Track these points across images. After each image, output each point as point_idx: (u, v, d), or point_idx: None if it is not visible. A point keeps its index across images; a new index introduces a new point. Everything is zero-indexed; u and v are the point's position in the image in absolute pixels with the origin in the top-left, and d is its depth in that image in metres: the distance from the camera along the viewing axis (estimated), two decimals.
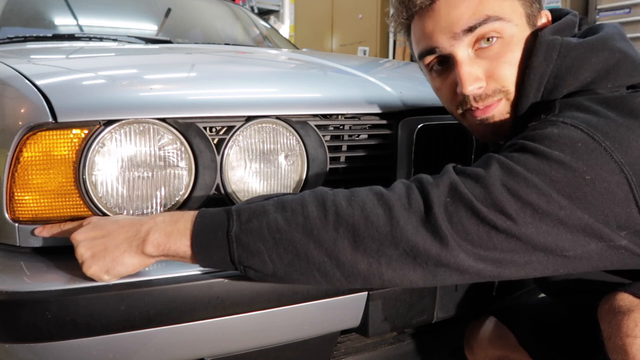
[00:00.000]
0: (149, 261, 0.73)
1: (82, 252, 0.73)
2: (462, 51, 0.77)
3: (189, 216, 0.71)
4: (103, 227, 0.73)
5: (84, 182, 0.79)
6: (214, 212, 0.71)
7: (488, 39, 0.77)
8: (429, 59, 0.82)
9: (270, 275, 0.70)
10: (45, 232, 0.79)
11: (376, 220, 0.66)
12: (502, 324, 0.99)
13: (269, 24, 2.72)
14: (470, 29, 0.76)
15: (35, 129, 0.77)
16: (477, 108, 0.80)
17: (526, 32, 0.79)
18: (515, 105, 0.79)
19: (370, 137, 1.02)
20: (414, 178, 0.73)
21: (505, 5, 0.77)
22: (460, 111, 0.83)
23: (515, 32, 0.77)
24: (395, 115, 1.02)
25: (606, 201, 0.63)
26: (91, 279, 0.74)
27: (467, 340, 1.07)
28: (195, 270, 0.78)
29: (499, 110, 0.80)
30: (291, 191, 0.93)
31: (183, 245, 0.70)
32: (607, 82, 0.74)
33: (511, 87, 0.78)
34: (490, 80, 0.78)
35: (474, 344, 1.04)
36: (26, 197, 0.79)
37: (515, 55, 0.77)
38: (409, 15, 0.81)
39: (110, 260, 0.71)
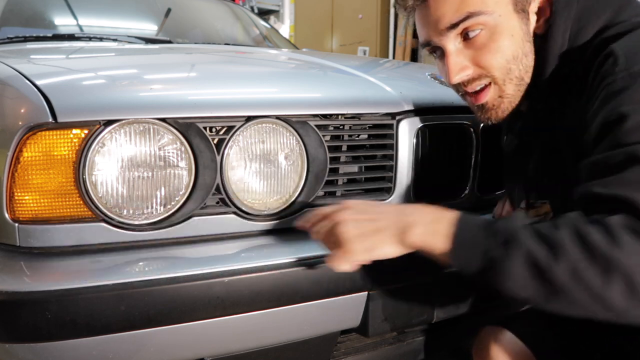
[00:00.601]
0: (404, 251, 0.73)
1: (348, 229, 0.73)
2: (450, 44, 0.82)
3: (451, 219, 0.71)
4: (367, 211, 0.75)
5: (84, 182, 0.79)
6: (476, 226, 0.69)
7: (472, 31, 0.80)
8: (428, 49, 0.88)
9: (524, 298, 0.67)
10: (301, 222, 0.83)
11: None
12: (522, 342, 0.93)
13: (269, 24, 2.72)
14: (453, 26, 0.80)
15: (35, 129, 0.77)
16: (469, 92, 0.84)
17: (513, 18, 0.80)
18: (537, 70, 0.82)
19: (370, 137, 1.02)
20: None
21: None
22: (460, 93, 0.88)
23: (499, 21, 0.79)
24: (395, 115, 1.02)
25: None
26: (102, 278, 0.74)
27: (479, 349, 1.01)
28: (196, 270, 0.79)
29: (491, 95, 0.83)
30: (291, 191, 0.93)
31: (442, 247, 0.70)
32: (625, 13, 0.78)
33: (496, 73, 0.81)
34: (475, 67, 0.82)
35: (483, 353, 1.00)
36: (26, 197, 0.79)
37: (502, 44, 0.80)
38: (408, 11, 0.86)
39: (374, 241, 0.72)
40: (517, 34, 0.80)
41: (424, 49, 0.89)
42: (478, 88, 0.83)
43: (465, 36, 0.81)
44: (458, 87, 0.86)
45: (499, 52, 0.80)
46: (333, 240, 0.75)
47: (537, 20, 0.83)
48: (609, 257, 0.60)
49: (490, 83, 0.83)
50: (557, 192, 0.88)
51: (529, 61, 0.82)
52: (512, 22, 0.80)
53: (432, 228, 0.71)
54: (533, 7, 0.82)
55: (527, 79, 0.83)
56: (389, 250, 0.73)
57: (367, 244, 0.73)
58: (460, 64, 0.82)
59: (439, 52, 0.86)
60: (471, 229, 0.70)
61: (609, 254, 0.60)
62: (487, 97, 0.84)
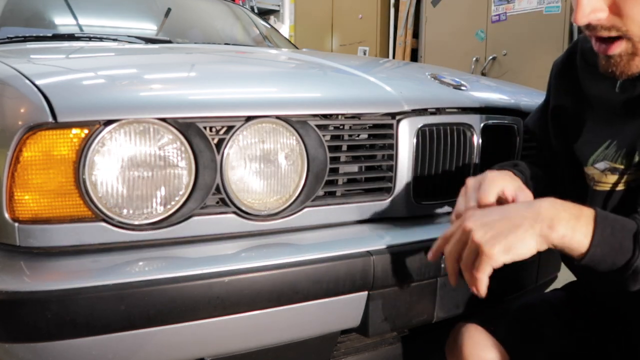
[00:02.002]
0: (543, 247, 0.70)
1: (481, 234, 0.69)
2: None
3: (589, 216, 0.70)
4: (493, 212, 0.72)
5: (84, 182, 0.79)
6: (615, 226, 0.69)
7: None
8: None
9: None
10: (431, 254, 0.80)
11: None
12: (483, 328, 0.95)
13: (269, 24, 2.72)
14: None
15: (35, 128, 0.77)
16: (593, 39, 0.74)
17: None
18: None
19: (370, 137, 1.02)
20: None
21: None
22: (586, 33, 0.76)
23: None
24: (395, 115, 1.02)
25: None
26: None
27: (452, 347, 1.01)
28: (196, 270, 0.79)
29: (621, 51, 0.73)
30: (291, 191, 0.93)
31: (582, 245, 0.69)
32: None
33: (635, 28, 0.70)
34: (612, 15, 0.70)
35: (456, 351, 1.00)
36: (26, 197, 0.79)
37: None
38: None
39: (512, 239, 0.69)
40: None
41: None
42: (605, 37, 0.72)
43: None
44: (584, 27, 0.74)
45: None
46: (469, 253, 0.71)
47: None
48: None
49: (621, 37, 0.71)
50: None
51: None
52: None
53: (573, 225, 0.69)
54: None
55: None
56: (530, 246, 0.69)
57: (506, 243, 0.69)
58: (592, 4, 0.69)
59: None
60: (611, 228, 0.69)
61: None
62: (617, 51, 0.73)
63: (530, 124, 1.08)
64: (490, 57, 3.98)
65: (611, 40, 0.72)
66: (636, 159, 0.80)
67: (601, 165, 0.87)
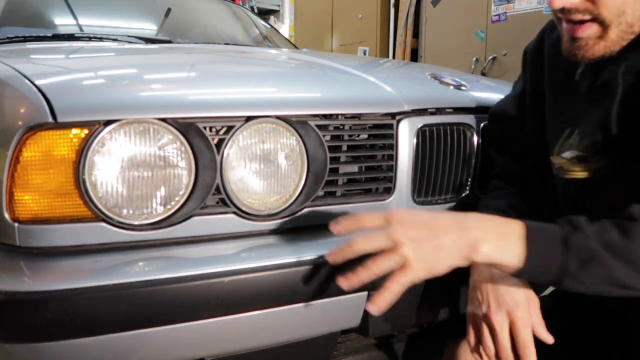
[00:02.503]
0: (466, 265, 0.71)
1: (409, 253, 0.69)
2: None
3: (519, 233, 0.70)
4: (424, 225, 0.71)
5: (84, 182, 0.79)
6: (549, 240, 0.69)
7: None
8: None
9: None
10: (339, 227, 0.74)
11: None
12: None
13: (269, 24, 2.72)
14: None
15: (35, 128, 0.77)
16: (563, 20, 0.75)
17: None
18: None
19: (370, 137, 1.02)
20: None
21: None
22: (556, 17, 0.78)
23: None
24: (395, 115, 1.02)
25: None
26: (90, 279, 0.74)
27: None
28: (196, 270, 0.79)
29: (590, 33, 0.74)
30: (291, 191, 0.93)
31: (513, 263, 0.70)
32: None
33: (606, 12, 0.71)
34: (584, 1, 0.71)
35: None
36: (26, 197, 0.79)
37: None
38: None
39: (437, 259, 0.70)
40: None
41: None
42: (577, 20, 0.73)
43: None
44: (556, 11, 0.76)
45: None
46: (389, 262, 0.71)
47: None
48: None
49: (593, 19, 0.72)
50: (626, 152, 0.78)
51: None
52: None
53: (501, 244, 0.69)
54: None
55: (637, 26, 0.72)
56: (452, 266, 0.71)
57: (426, 265, 0.70)
58: None
59: None
60: (545, 243, 0.69)
61: None
62: (585, 33, 0.74)
63: (501, 111, 1.06)
64: (490, 57, 3.98)
65: (581, 22, 0.73)
66: (599, 147, 0.79)
67: (568, 154, 0.86)
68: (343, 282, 0.73)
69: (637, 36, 0.74)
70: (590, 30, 0.73)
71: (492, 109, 1.09)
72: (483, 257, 0.69)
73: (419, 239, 0.69)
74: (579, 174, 0.84)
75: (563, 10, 0.73)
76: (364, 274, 0.71)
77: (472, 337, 0.84)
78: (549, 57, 0.93)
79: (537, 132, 0.98)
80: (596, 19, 0.72)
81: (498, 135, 1.08)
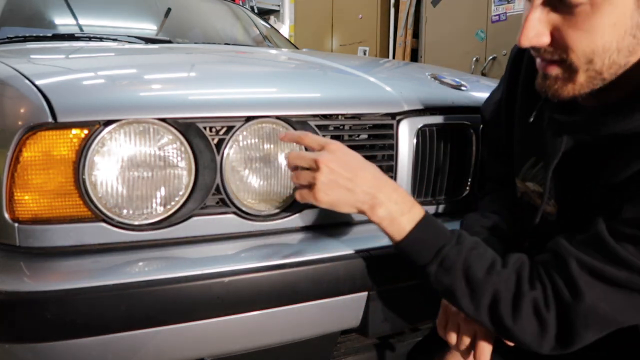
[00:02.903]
0: (359, 213, 0.81)
1: (323, 179, 0.77)
2: None
3: (413, 218, 0.79)
4: (347, 166, 0.78)
5: (84, 182, 0.79)
6: (428, 239, 0.79)
7: None
8: None
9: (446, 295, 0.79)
10: (285, 136, 0.85)
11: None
12: None
13: (269, 24, 2.72)
14: None
15: (35, 128, 0.77)
16: (536, 58, 0.75)
17: (628, 5, 0.66)
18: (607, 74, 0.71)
19: (370, 137, 1.02)
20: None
21: None
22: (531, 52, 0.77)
23: (609, 5, 0.66)
24: (395, 115, 1.02)
25: None
26: (89, 278, 0.74)
27: None
28: (196, 270, 0.78)
29: (557, 74, 0.73)
30: (291, 191, 0.93)
31: (394, 236, 0.80)
32: None
33: (574, 58, 0.70)
34: (555, 41, 0.70)
35: None
36: (26, 197, 0.79)
37: (597, 29, 0.67)
38: None
39: (341, 200, 0.79)
40: (622, 25, 0.67)
41: None
42: (547, 58, 0.73)
43: None
44: (530, 48, 0.75)
45: (589, 37, 0.68)
46: (307, 180, 0.79)
47: None
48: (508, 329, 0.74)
49: (561, 61, 0.72)
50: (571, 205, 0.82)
51: (620, 59, 0.69)
52: (622, 8, 0.66)
53: (395, 217, 0.79)
54: None
55: (609, 76, 0.71)
56: (350, 212, 0.81)
57: (334, 198, 0.79)
58: (537, 30, 0.70)
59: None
60: (425, 238, 0.78)
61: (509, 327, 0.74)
62: (554, 72, 0.73)
63: (485, 111, 1.05)
64: (490, 57, 3.98)
65: (552, 61, 0.73)
66: (553, 193, 0.84)
67: (531, 185, 0.90)
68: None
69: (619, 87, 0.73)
70: (559, 70, 0.73)
71: (481, 107, 1.08)
72: (376, 218, 0.79)
73: (336, 175, 0.78)
74: (540, 205, 0.87)
75: (534, 48, 0.73)
76: (293, 179, 0.82)
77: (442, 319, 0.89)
78: (525, 65, 0.91)
79: (509, 142, 0.97)
80: (565, 62, 0.71)
81: (485, 135, 1.08)
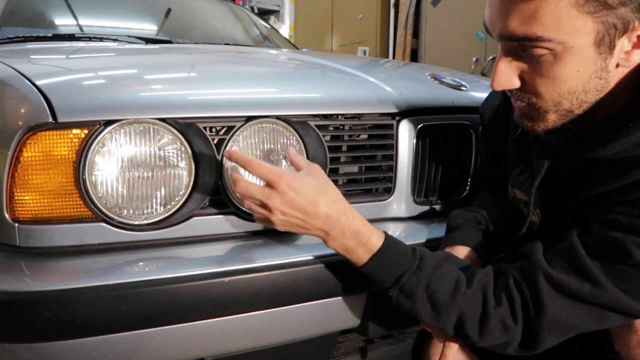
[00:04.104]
0: None
1: (276, 220, 0.79)
2: (506, 47, 0.73)
3: (372, 247, 0.80)
4: (300, 210, 0.78)
5: (84, 182, 0.79)
6: (388, 266, 0.80)
7: (536, 51, 0.70)
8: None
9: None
10: (234, 156, 0.81)
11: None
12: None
13: (269, 24, 2.72)
14: (513, 38, 0.70)
15: (36, 129, 0.77)
16: (511, 96, 0.78)
17: (588, 52, 0.68)
18: (610, 108, 0.74)
19: (370, 137, 1.02)
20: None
21: (565, 24, 0.66)
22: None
23: (570, 52, 0.68)
24: (395, 115, 1.02)
25: None
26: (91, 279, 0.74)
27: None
28: (196, 270, 0.79)
29: (529, 113, 0.77)
30: None
31: (355, 263, 0.81)
32: None
33: (542, 103, 0.74)
34: (524, 87, 0.74)
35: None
36: (26, 197, 0.79)
37: (562, 77, 0.71)
38: None
39: (292, 230, 0.81)
40: (586, 70, 0.70)
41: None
42: (518, 100, 0.77)
43: (525, 50, 0.71)
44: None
45: (554, 83, 0.71)
46: (262, 215, 0.80)
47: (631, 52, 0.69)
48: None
49: (531, 104, 0.76)
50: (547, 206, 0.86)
51: (589, 97, 0.73)
52: (584, 55, 0.69)
53: (350, 250, 0.80)
54: (629, 39, 0.68)
55: (580, 111, 0.74)
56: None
57: (291, 230, 0.81)
58: (507, 75, 0.74)
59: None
60: (384, 267, 0.80)
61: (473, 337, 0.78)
62: (526, 111, 0.78)
63: (483, 113, 1.07)
64: (490, 57, 3.98)
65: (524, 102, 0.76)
66: (538, 204, 0.87)
67: (518, 193, 0.93)
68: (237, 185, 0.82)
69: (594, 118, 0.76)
70: (530, 111, 0.77)
71: (479, 108, 1.09)
72: (333, 249, 0.82)
73: (288, 217, 0.79)
74: (526, 213, 0.90)
75: (506, 90, 0.77)
76: (246, 204, 0.82)
77: None
78: None
79: (505, 148, 0.99)
80: (534, 106, 0.75)
81: (483, 137, 1.09)
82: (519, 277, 0.77)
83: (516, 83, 0.74)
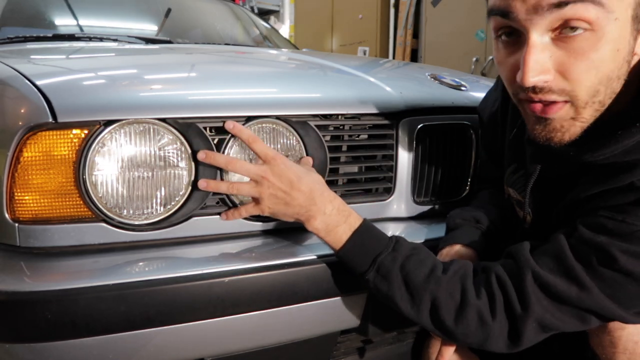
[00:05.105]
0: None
1: (264, 193, 0.83)
2: (539, 31, 0.64)
3: (348, 229, 0.83)
4: (287, 182, 0.82)
5: (84, 182, 0.79)
6: (366, 244, 0.82)
7: (574, 28, 0.62)
8: (498, 21, 0.68)
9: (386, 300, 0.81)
10: (235, 129, 0.85)
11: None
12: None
13: (269, 24, 2.72)
14: (560, 4, 0.61)
15: (36, 129, 0.77)
16: (535, 101, 0.69)
17: (627, 27, 0.63)
18: (604, 113, 0.69)
19: (370, 137, 1.02)
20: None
21: None
22: (518, 97, 0.72)
23: (612, 27, 0.62)
24: (395, 115, 1.02)
25: None
26: (93, 278, 0.74)
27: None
28: (196, 270, 0.79)
29: (561, 115, 0.69)
30: None
31: (332, 246, 0.84)
32: None
33: (582, 93, 0.66)
34: (559, 77, 0.66)
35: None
36: (26, 197, 0.79)
37: (604, 57, 0.64)
38: None
39: (278, 210, 0.84)
40: (623, 50, 0.64)
41: (490, 20, 0.69)
42: (551, 100, 0.67)
43: (561, 30, 0.63)
44: (519, 89, 0.69)
45: (596, 66, 0.64)
46: (251, 193, 0.84)
47: None
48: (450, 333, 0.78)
49: (566, 101, 0.68)
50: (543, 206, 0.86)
51: (617, 87, 0.68)
52: (624, 32, 0.63)
53: (331, 228, 0.83)
54: None
55: (606, 104, 0.69)
56: (288, 220, 0.86)
57: (276, 209, 0.84)
58: (542, 64, 0.64)
59: (512, 37, 0.68)
60: (361, 246, 0.81)
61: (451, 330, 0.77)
62: (557, 114, 0.69)
63: (481, 111, 1.07)
64: (490, 57, 3.98)
65: (553, 102, 0.68)
66: (531, 205, 0.87)
67: (511, 192, 0.93)
68: (202, 183, 0.84)
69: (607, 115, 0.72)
70: (563, 111, 0.68)
71: (478, 107, 1.09)
72: (312, 229, 0.84)
73: (277, 189, 0.82)
74: (519, 211, 0.91)
75: (534, 89, 0.67)
76: (223, 186, 0.85)
77: None
78: None
79: (503, 147, 0.99)
80: (570, 100, 0.67)
81: (482, 137, 1.09)
82: (502, 274, 0.76)
83: (551, 75, 0.65)
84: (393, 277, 0.79)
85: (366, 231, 0.83)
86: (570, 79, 0.65)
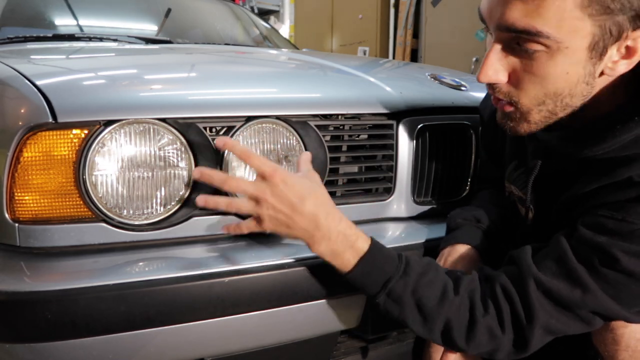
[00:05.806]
0: None
1: (265, 214, 0.78)
2: (500, 39, 0.72)
3: (359, 250, 0.79)
4: (288, 204, 0.77)
5: (84, 182, 0.79)
6: (374, 269, 0.79)
7: (532, 46, 0.69)
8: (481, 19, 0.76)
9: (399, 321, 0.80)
10: (229, 145, 0.80)
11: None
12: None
13: (269, 24, 2.72)
14: (511, 30, 0.69)
15: (36, 129, 0.77)
16: (493, 95, 0.77)
17: (580, 55, 0.68)
18: (601, 111, 0.74)
19: (370, 137, 1.02)
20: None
21: (566, 23, 0.66)
22: (489, 89, 0.79)
23: (563, 53, 0.68)
24: (395, 115, 1.02)
25: None
26: (90, 279, 0.74)
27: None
28: (196, 270, 0.79)
29: (509, 114, 0.77)
30: None
31: (340, 269, 0.80)
32: None
33: (525, 101, 0.74)
34: (510, 82, 0.74)
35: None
36: (26, 197, 0.79)
37: (551, 77, 0.70)
38: None
39: (280, 230, 0.80)
40: (574, 74, 0.70)
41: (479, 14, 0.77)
42: (498, 98, 0.76)
43: (520, 43, 0.70)
44: (487, 84, 0.78)
45: (542, 82, 0.71)
46: (249, 211, 0.80)
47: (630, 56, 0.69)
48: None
49: (510, 104, 0.75)
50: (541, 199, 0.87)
51: (574, 101, 0.73)
52: (576, 58, 0.69)
53: (336, 254, 0.79)
54: (618, 48, 0.69)
55: (563, 114, 0.74)
56: (292, 239, 0.82)
57: (278, 229, 0.80)
58: (496, 68, 0.73)
59: (490, 35, 0.76)
60: (370, 271, 0.78)
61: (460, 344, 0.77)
62: (508, 111, 0.77)
63: (482, 111, 1.07)
64: None
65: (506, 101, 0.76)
66: (533, 201, 0.87)
67: (513, 188, 0.93)
68: (200, 201, 0.80)
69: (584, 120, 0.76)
70: (512, 110, 0.76)
71: (479, 106, 1.09)
72: (317, 253, 0.80)
73: (277, 211, 0.78)
74: (521, 208, 0.91)
75: (490, 85, 0.76)
76: (222, 202, 0.80)
77: None
78: None
79: (504, 146, 1.00)
80: (515, 105, 0.75)
81: (483, 136, 1.09)
82: (507, 283, 0.77)
83: (503, 78, 0.73)
84: (405, 302, 0.78)
85: (374, 256, 0.79)
86: (518, 86, 0.73)
